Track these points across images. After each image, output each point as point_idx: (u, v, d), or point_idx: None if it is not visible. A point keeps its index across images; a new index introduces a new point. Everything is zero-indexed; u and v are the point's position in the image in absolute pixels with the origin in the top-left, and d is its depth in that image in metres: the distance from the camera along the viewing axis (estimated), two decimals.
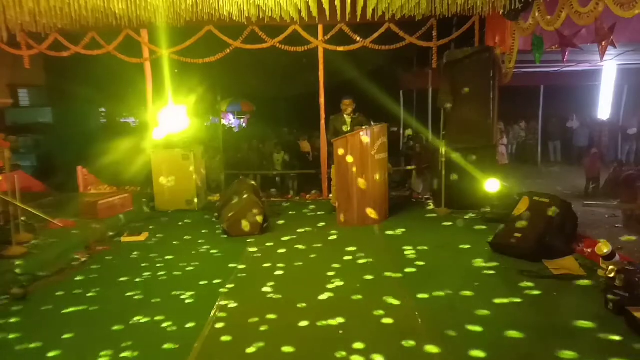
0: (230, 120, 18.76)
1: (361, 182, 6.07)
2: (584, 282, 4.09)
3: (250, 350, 3.12)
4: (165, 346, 3.21)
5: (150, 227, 6.50)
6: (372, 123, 6.54)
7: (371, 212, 6.18)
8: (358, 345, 3.11)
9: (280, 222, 6.59)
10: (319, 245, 5.48)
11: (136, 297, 4.11)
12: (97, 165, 8.44)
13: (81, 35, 7.80)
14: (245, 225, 5.92)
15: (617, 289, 3.41)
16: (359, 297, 3.94)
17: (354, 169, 6.07)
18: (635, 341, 3.06)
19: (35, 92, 10.46)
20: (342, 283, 4.25)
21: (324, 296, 3.97)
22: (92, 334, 3.45)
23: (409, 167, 10.22)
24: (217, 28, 7.66)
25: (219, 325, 3.50)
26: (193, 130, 8.11)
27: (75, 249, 5.39)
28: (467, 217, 6.42)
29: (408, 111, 13.15)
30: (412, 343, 3.15)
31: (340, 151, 6.06)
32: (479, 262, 4.70)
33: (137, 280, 4.52)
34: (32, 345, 3.27)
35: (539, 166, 13.66)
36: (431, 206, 7.18)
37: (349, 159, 6.04)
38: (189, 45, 7.85)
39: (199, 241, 5.79)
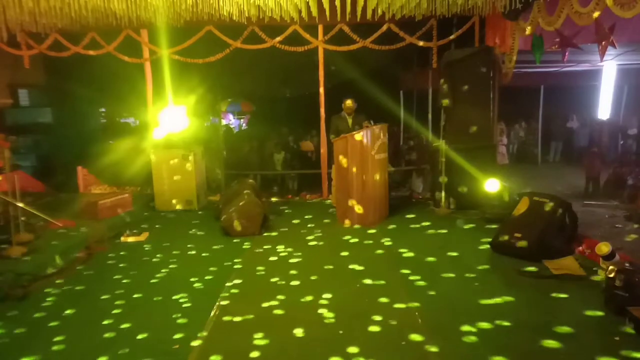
0: (230, 120, 18.72)
1: (343, 161, 6.06)
2: (584, 281, 4.09)
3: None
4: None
5: (150, 227, 6.50)
6: (372, 123, 6.55)
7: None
8: (358, 349, 3.11)
9: (280, 222, 6.59)
10: (318, 245, 5.48)
11: (135, 298, 4.11)
12: (97, 165, 8.44)
13: (81, 35, 7.81)
14: (246, 224, 5.92)
15: (617, 289, 3.41)
16: (359, 297, 3.95)
17: (354, 169, 6.08)
18: (635, 341, 3.07)
19: (35, 92, 10.45)
20: (339, 282, 4.26)
21: (322, 296, 3.97)
22: (91, 334, 3.45)
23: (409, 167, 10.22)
24: (217, 28, 7.66)
25: (219, 325, 3.51)
26: (193, 130, 8.11)
27: (75, 249, 5.39)
28: (466, 217, 6.42)
29: (408, 111, 13.13)
30: (411, 344, 3.15)
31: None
32: (478, 263, 4.70)
33: (136, 280, 4.53)
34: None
35: (539, 166, 13.65)
36: (431, 206, 7.18)
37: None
38: (189, 45, 7.85)
39: (199, 241, 5.79)
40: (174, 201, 7.46)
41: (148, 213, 7.36)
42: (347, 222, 6.20)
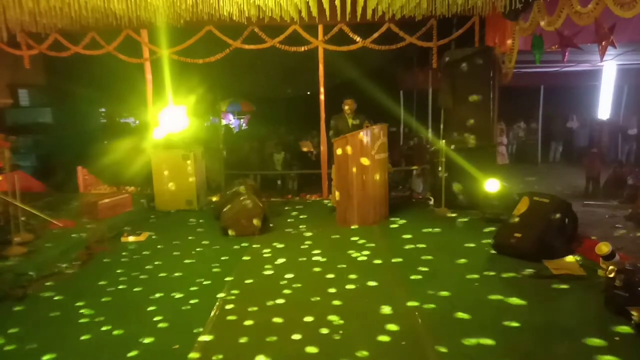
0: (230, 120, 18.73)
1: (364, 160, 6.05)
2: (584, 281, 4.09)
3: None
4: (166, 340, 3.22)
5: (150, 227, 6.49)
6: (373, 123, 6.55)
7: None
8: (358, 350, 3.12)
9: (280, 222, 6.60)
10: (318, 245, 5.48)
11: (135, 297, 4.12)
12: (97, 165, 8.45)
13: (81, 35, 7.81)
14: (246, 225, 5.92)
15: (617, 289, 3.41)
16: (360, 297, 3.96)
17: (354, 169, 6.08)
18: (635, 341, 3.07)
19: (35, 92, 10.46)
20: (340, 284, 4.26)
21: (321, 297, 3.97)
22: (89, 335, 3.45)
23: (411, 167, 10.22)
24: (217, 28, 7.66)
25: (220, 325, 3.51)
26: (193, 130, 8.11)
27: (75, 249, 5.39)
28: (467, 217, 6.42)
29: (408, 111, 13.14)
30: (411, 345, 3.15)
31: (339, 151, 6.07)
32: (478, 263, 4.71)
33: (136, 280, 4.53)
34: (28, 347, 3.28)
35: (539, 166, 13.66)
36: (431, 206, 7.19)
37: (349, 150, 6.03)
38: (189, 45, 7.85)
39: (199, 241, 5.78)
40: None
41: (148, 213, 7.35)
42: (344, 222, 6.19)
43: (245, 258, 5.06)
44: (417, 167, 9.50)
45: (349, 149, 6.01)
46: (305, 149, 11.44)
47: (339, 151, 6.06)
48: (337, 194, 6.18)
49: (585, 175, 9.77)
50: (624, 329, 3.20)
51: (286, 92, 13.67)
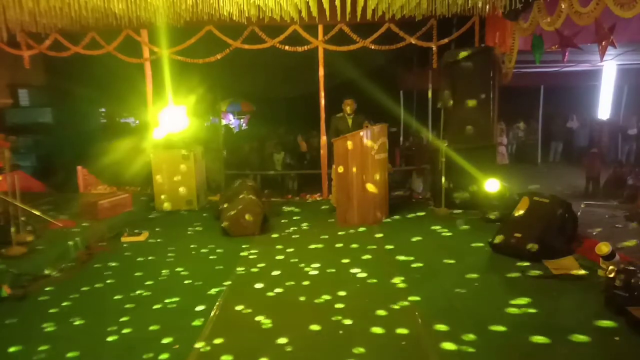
0: (230, 120, 18.72)
1: (370, 187, 6.08)
2: (584, 281, 4.09)
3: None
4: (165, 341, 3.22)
5: (150, 227, 6.49)
6: (373, 123, 6.55)
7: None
8: (359, 350, 3.12)
9: (280, 222, 6.59)
10: (319, 246, 5.48)
11: (135, 296, 4.12)
12: (97, 165, 8.44)
13: (81, 35, 7.81)
14: (245, 225, 5.92)
15: (617, 289, 3.41)
16: (359, 298, 3.95)
17: (354, 169, 6.08)
18: (635, 341, 3.06)
19: (35, 92, 10.45)
20: (339, 285, 4.26)
21: (322, 297, 3.97)
22: (91, 336, 3.45)
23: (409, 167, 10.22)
24: (217, 28, 7.66)
25: (219, 325, 3.51)
26: (193, 130, 8.11)
27: (75, 249, 5.38)
28: (466, 217, 6.41)
29: (408, 111, 13.13)
30: (412, 345, 3.15)
31: (340, 169, 6.08)
32: (478, 263, 4.71)
33: (135, 280, 4.52)
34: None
35: (539, 166, 13.66)
36: (431, 206, 7.18)
37: (340, 169, 6.11)
38: (189, 45, 7.85)
39: (199, 241, 5.78)
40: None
41: (148, 213, 7.34)
42: (345, 222, 6.20)
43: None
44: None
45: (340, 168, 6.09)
46: (302, 148, 11.45)
47: (340, 169, 6.08)
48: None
49: (585, 175, 9.77)
50: (624, 328, 3.20)
51: (286, 92, 13.65)
